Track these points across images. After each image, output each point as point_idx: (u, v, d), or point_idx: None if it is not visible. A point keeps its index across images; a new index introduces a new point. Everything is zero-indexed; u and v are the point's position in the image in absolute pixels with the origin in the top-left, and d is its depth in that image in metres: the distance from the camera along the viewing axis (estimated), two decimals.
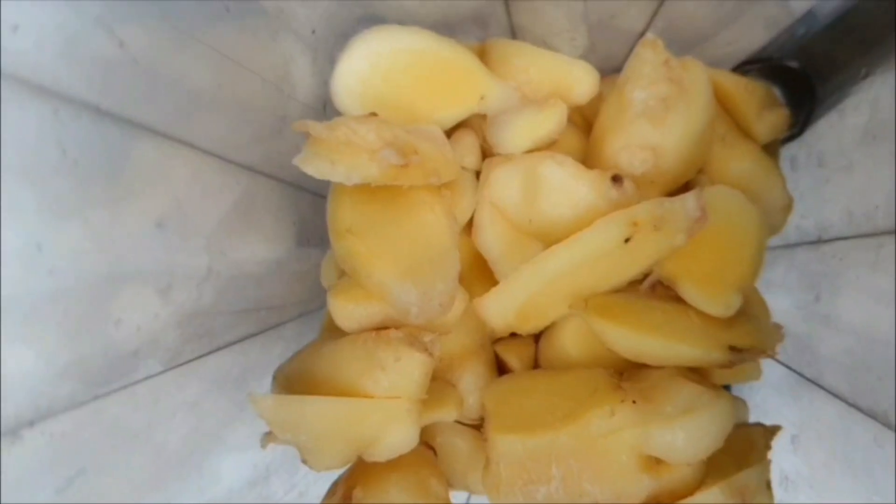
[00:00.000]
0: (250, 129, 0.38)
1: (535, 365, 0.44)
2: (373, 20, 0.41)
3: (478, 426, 0.43)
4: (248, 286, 0.38)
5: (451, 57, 0.41)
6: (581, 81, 0.43)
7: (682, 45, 0.43)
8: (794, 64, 0.43)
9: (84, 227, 0.25)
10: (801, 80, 0.43)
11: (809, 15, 0.40)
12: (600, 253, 0.37)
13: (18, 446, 0.24)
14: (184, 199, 0.32)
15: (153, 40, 0.29)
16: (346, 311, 0.39)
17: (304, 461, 0.37)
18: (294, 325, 0.46)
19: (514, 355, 0.43)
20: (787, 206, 0.45)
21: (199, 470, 0.36)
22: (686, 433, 0.35)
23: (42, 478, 0.26)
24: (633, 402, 0.36)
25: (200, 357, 0.35)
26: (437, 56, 0.40)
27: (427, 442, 0.44)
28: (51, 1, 0.23)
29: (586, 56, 0.44)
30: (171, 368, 0.33)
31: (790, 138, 0.46)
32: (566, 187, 0.39)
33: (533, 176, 0.39)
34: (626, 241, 0.37)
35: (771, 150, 0.45)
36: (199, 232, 0.33)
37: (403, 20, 0.41)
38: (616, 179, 0.38)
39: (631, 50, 0.41)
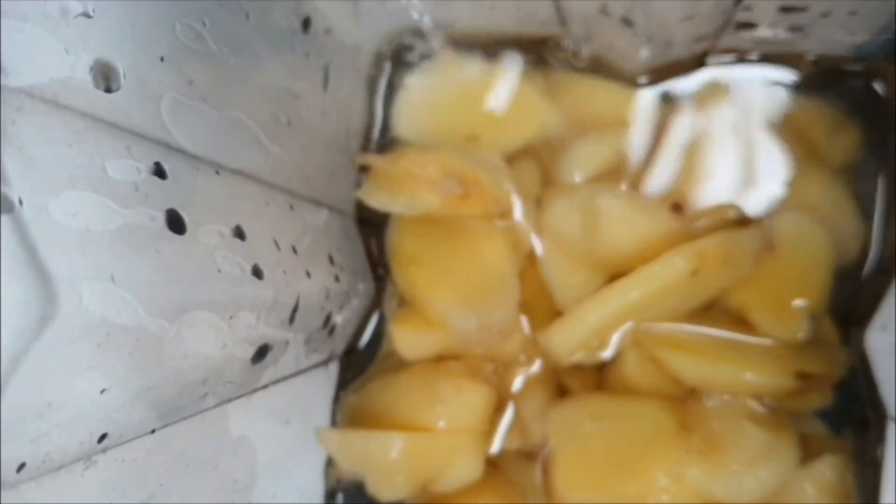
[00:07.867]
0: (314, 162, 0.39)
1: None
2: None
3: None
4: (313, 317, 0.39)
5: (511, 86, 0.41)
6: (639, 109, 0.43)
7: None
8: (865, 80, 0.42)
9: (155, 259, 0.26)
10: (874, 99, 0.42)
11: (883, 31, 0.39)
12: (667, 286, 0.37)
13: (92, 471, 0.25)
14: (249, 231, 0.32)
15: (219, 77, 0.30)
16: (409, 339, 0.41)
17: (371, 492, 0.37)
18: (357, 356, 0.46)
19: (578, 381, 0.43)
20: (859, 233, 0.43)
21: (264, 498, 0.37)
22: (753, 481, 0.35)
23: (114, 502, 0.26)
24: (699, 451, 0.36)
25: (266, 387, 0.36)
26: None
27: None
28: (122, 42, 0.25)
29: (645, 80, 0.44)
30: (238, 398, 0.33)
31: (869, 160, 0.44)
32: (626, 218, 0.39)
33: (591, 208, 0.39)
34: (693, 273, 0.36)
35: (845, 173, 0.44)
36: (265, 263, 0.33)
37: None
38: (675, 207, 0.38)
39: (690, 74, 0.41)
